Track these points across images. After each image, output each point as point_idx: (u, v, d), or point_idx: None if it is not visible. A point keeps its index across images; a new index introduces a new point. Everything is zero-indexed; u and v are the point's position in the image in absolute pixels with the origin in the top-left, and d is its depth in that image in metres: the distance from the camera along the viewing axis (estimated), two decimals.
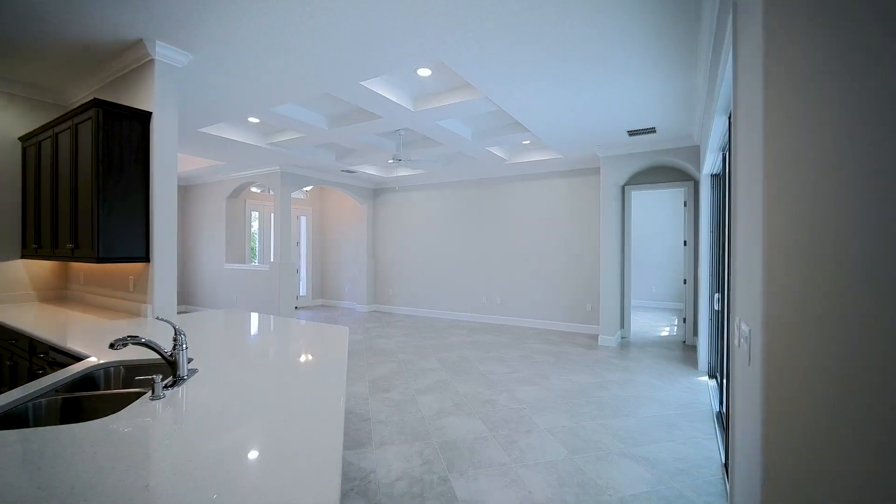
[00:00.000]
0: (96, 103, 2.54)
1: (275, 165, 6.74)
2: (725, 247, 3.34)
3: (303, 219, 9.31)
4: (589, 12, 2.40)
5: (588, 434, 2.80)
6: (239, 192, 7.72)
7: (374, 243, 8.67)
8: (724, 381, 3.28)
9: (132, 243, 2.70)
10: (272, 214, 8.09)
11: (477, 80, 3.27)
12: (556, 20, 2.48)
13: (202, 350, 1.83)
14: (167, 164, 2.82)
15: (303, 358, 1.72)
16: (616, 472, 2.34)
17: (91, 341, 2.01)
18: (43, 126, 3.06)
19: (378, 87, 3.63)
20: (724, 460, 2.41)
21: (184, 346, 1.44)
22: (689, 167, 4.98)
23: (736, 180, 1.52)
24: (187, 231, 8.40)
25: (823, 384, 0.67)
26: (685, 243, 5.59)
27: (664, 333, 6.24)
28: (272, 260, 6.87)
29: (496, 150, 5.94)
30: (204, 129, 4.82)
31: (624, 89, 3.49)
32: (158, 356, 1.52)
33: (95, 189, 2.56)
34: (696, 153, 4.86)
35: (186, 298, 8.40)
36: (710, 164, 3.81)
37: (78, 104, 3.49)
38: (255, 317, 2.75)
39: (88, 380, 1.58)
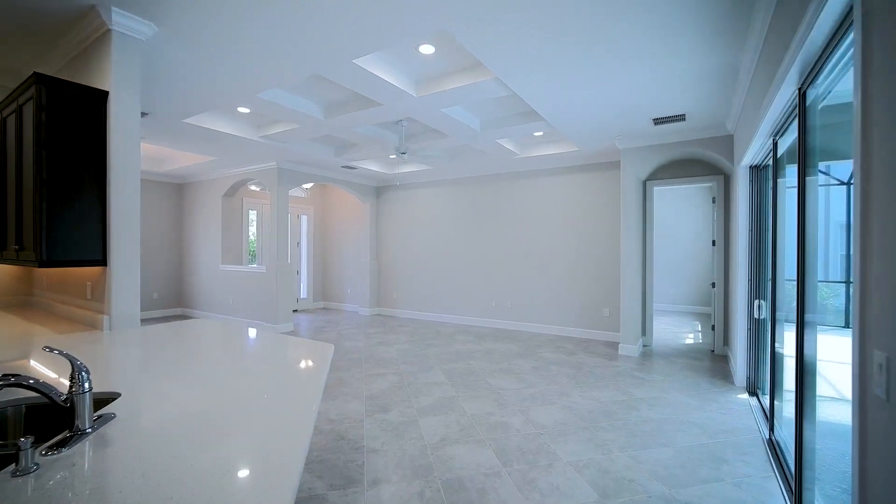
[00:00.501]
0: (37, 79, 2.16)
1: (271, 161, 6.36)
2: (771, 248, 2.89)
3: (304, 218, 8.94)
4: None
5: (620, 470, 2.37)
6: (235, 189, 7.36)
7: (377, 243, 8.27)
8: (772, 400, 2.82)
9: (85, 244, 2.31)
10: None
11: (487, 55, 2.84)
12: None
13: (138, 381, 1.43)
14: (127, 153, 2.43)
15: (264, 395, 1.31)
16: None
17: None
18: None
19: (375, 67, 3.22)
20: None
21: (85, 386, 1.04)
22: (721, 159, 4.50)
23: (868, 173, 1.08)
24: (183, 231, 8.07)
25: None
26: (713, 243, 5.11)
27: (688, 341, 5.75)
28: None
29: (506, 143, 5.50)
30: (189, 120, 4.45)
31: (655, 68, 3.04)
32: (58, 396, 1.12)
33: (38, 181, 2.18)
34: (728, 144, 4.39)
35: (183, 301, 8.07)
36: (753, 153, 3.34)
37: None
38: (225, 330, 2.35)
39: None
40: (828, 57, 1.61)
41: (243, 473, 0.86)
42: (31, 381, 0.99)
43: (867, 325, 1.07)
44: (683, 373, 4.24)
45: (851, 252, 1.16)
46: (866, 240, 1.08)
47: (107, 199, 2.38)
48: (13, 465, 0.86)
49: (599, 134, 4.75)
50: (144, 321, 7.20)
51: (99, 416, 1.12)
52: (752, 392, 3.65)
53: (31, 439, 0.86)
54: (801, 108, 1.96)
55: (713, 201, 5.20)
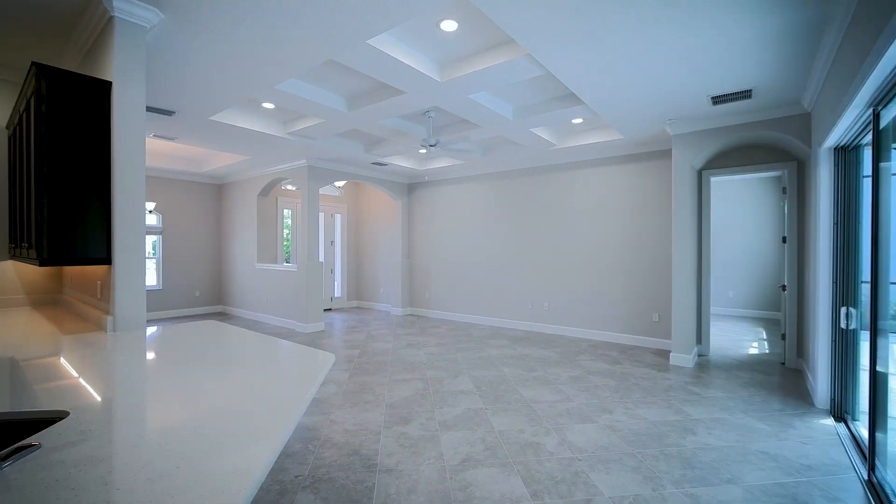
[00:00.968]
0: (37, 70, 2.07)
1: (301, 159, 6.32)
2: (871, 244, 2.34)
3: (338, 217, 8.93)
4: None
5: None
6: (269, 189, 7.42)
7: (409, 242, 8.08)
8: (872, 431, 2.29)
9: (88, 242, 2.22)
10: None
11: (516, 26, 2.50)
12: None
13: (108, 394, 1.24)
14: (132, 146, 2.31)
15: (238, 418, 1.07)
16: None
17: None
18: (14, 108, 2.69)
19: (392, 49, 2.97)
20: None
21: None
22: (794, 142, 3.88)
23: None
24: (223, 230, 8.27)
25: None
26: (784, 240, 4.46)
27: (752, 351, 5.09)
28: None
29: (542, 133, 5.10)
30: (215, 118, 4.41)
31: (716, 30, 2.57)
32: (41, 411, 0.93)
33: (38, 176, 2.10)
34: (804, 123, 3.77)
35: (223, 299, 8.27)
36: (841, 131, 2.78)
37: None
38: (226, 336, 2.17)
39: None
40: None
41: None
42: None
43: None
44: (748, 389, 3.68)
45: None
46: None
47: (111, 194, 2.28)
48: None
49: (647, 118, 4.25)
50: (187, 318, 7.42)
51: (18, 449, 0.92)
52: (839, 417, 3.07)
53: None
54: None
55: (783, 192, 4.54)
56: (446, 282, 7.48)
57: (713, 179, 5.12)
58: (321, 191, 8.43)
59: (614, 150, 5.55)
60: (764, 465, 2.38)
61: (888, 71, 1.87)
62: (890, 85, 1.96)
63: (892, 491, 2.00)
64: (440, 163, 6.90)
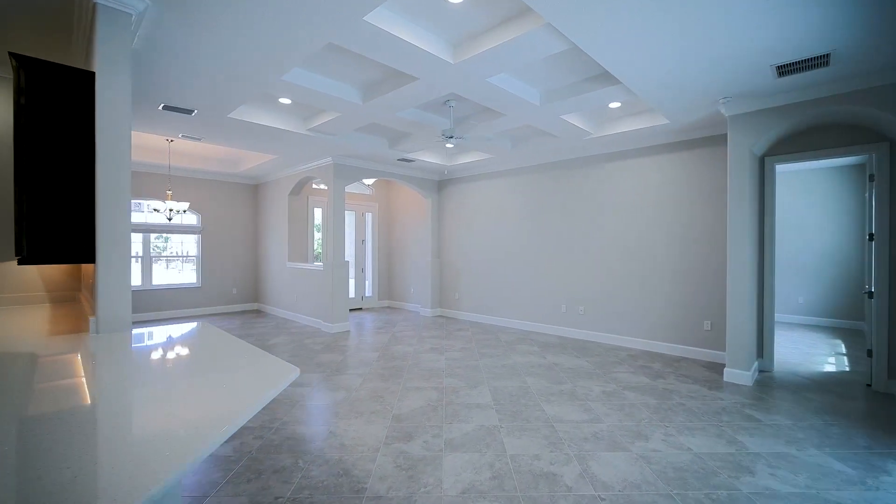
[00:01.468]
0: (16, 60, 1.99)
1: (326, 157, 6.23)
2: None
3: (368, 216, 8.85)
4: None
5: None
6: (300, 188, 7.44)
7: (438, 241, 7.83)
8: None
9: (71, 240, 2.13)
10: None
11: None
12: None
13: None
14: (116, 140, 2.20)
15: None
16: None
17: None
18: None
19: (396, 27, 2.69)
20: None
21: None
22: (887, 118, 3.20)
23: None
24: (258, 229, 8.43)
25: None
26: (870, 237, 3.73)
27: (828, 368, 4.35)
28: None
29: (575, 120, 4.64)
30: (234, 115, 4.37)
31: None
32: None
33: (17, 171, 2.03)
34: (894, 96, 3.09)
35: (258, 297, 8.44)
36: None
37: None
38: (206, 340, 1.99)
39: None
40: None
41: None
42: None
43: None
44: (823, 417, 3.06)
45: None
46: None
47: (95, 190, 2.18)
48: None
49: (696, 97, 3.70)
50: (225, 315, 7.61)
51: None
52: None
53: None
54: None
55: (869, 179, 3.81)
56: (476, 282, 7.15)
57: (778, 168, 4.43)
58: (351, 189, 8.39)
59: (659, 138, 4.96)
60: None
61: None
62: None
63: None
64: (468, 157, 6.57)
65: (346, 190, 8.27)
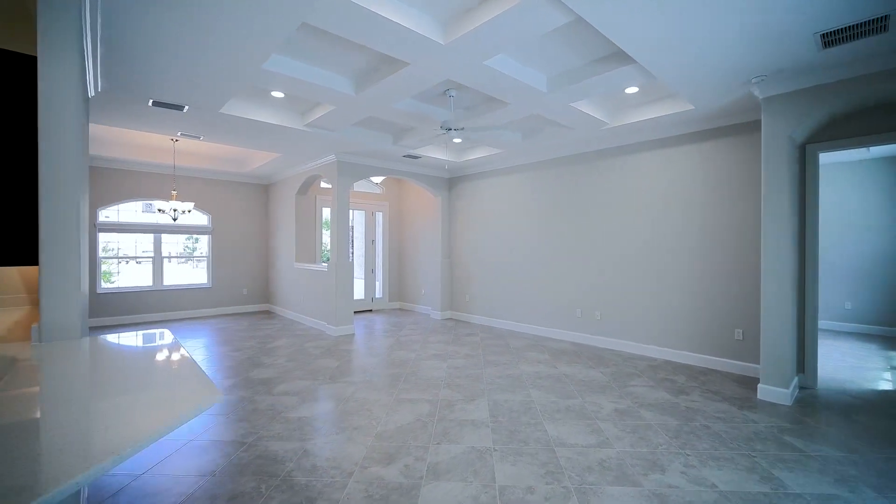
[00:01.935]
0: None
1: (330, 154, 6.04)
2: None
3: (379, 215, 8.64)
4: None
5: None
6: (307, 187, 7.29)
7: (449, 240, 7.53)
8: None
9: (12, 241, 1.95)
10: (350, 211, 7.41)
11: None
12: None
13: None
14: (63, 131, 2.00)
15: None
16: None
17: None
18: None
19: (373, 3, 2.42)
20: None
21: None
22: None
23: None
24: (268, 230, 8.36)
25: None
26: None
27: (884, 386, 3.80)
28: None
29: (588, 108, 4.25)
30: (226, 111, 4.21)
31: None
32: None
33: None
34: None
35: (268, 298, 8.36)
36: None
37: None
38: (152, 348, 1.77)
39: None
40: None
41: None
42: None
43: None
44: (882, 447, 2.59)
45: None
46: None
47: (38, 187, 1.99)
48: None
49: (724, 77, 3.26)
50: (235, 316, 7.55)
51: None
52: None
53: None
54: None
55: None
56: (487, 284, 6.81)
57: (823, 157, 3.91)
58: (361, 188, 8.20)
59: (683, 127, 4.51)
60: None
61: None
62: None
63: None
64: (478, 153, 6.25)
65: (356, 189, 8.09)
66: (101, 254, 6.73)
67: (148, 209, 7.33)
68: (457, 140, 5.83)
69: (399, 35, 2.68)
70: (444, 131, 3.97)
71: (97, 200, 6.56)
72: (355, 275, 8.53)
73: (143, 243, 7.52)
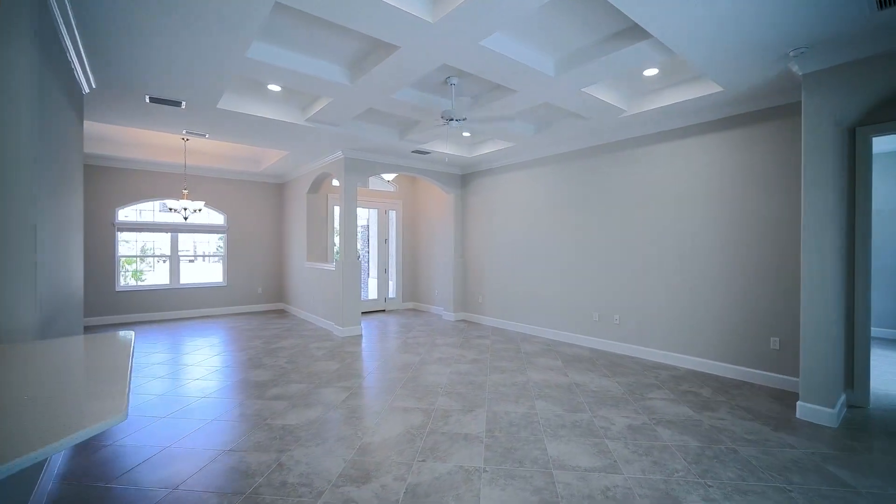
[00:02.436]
0: None
1: (337, 151, 5.91)
2: None
3: (392, 213, 8.48)
4: None
5: None
6: (318, 186, 7.20)
7: (462, 239, 7.27)
8: None
9: None
10: (362, 210, 7.29)
11: None
12: None
13: None
14: (11, 124, 1.89)
15: None
16: None
17: None
18: None
19: None
20: None
21: None
22: None
23: None
24: (282, 228, 8.35)
25: None
26: None
27: None
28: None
29: (602, 94, 3.90)
30: (223, 106, 4.11)
31: None
32: None
33: None
34: None
35: (282, 297, 8.35)
36: None
37: None
38: (98, 354, 1.61)
39: None
40: None
41: None
42: None
43: None
44: None
45: None
46: None
47: None
48: None
49: (757, 50, 2.86)
50: (249, 315, 7.56)
51: None
52: None
53: None
54: None
55: None
56: (500, 285, 6.51)
57: (878, 142, 3.41)
58: (373, 185, 8.05)
59: (710, 112, 4.08)
60: None
61: None
62: None
63: None
64: (489, 147, 5.96)
65: (370, 187, 7.95)
66: (119, 252, 6.85)
67: (164, 209, 7.44)
68: (465, 133, 5.57)
69: (381, 11, 2.45)
70: (445, 122, 3.73)
71: (115, 200, 6.68)
72: (370, 274, 8.40)
73: (160, 242, 7.64)
